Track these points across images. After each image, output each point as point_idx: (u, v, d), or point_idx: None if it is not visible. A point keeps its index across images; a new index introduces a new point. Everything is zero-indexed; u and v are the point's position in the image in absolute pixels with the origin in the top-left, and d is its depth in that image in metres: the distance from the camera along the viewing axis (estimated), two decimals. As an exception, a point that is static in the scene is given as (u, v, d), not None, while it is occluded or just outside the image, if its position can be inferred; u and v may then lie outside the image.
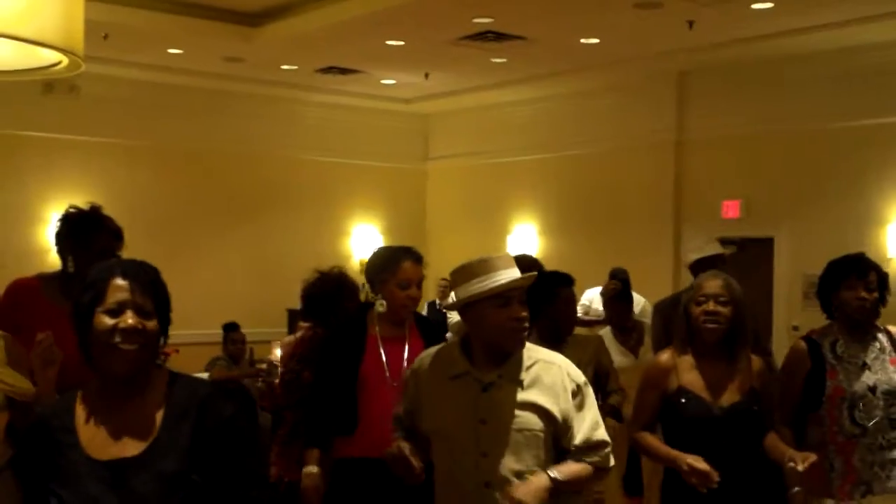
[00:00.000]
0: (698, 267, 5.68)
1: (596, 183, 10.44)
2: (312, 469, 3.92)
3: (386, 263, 3.93)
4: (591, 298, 8.52)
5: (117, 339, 2.10)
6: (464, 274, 2.91)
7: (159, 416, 2.16)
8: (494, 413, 2.86)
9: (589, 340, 5.06)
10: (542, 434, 2.86)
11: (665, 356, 3.64)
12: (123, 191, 9.93)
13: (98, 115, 9.88)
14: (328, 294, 4.84)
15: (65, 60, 3.99)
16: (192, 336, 8.77)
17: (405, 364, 3.59)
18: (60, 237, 3.81)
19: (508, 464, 2.84)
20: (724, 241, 6.23)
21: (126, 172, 10.10)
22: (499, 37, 8.56)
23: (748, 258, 8.54)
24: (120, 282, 2.15)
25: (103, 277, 2.16)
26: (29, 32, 3.58)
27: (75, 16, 3.65)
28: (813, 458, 3.34)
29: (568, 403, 2.88)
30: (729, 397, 3.51)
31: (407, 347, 3.83)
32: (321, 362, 4.05)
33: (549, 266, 5.10)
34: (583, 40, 8.65)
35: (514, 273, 2.90)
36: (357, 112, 11.63)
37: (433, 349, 3.10)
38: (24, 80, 7.22)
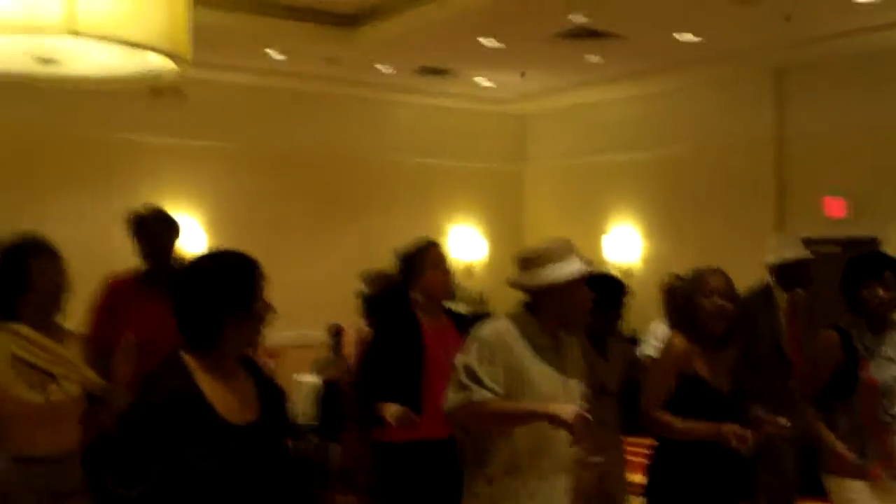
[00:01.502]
0: (783, 271, 5.57)
1: (694, 182, 10.32)
2: (395, 408, 4.17)
3: (413, 254, 4.37)
4: None
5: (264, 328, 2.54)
6: (549, 256, 3.28)
7: (253, 386, 2.55)
8: (572, 382, 3.33)
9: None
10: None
11: (681, 341, 3.86)
12: (228, 193, 10.20)
13: (204, 120, 10.14)
14: (383, 295, 5.05)
15: (171, 65, 4.15)
16: (296, 338, 8.96)
17: (452, 351, 3.76)
18: (134, 237, 4.32)
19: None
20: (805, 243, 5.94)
21: (230, 175, 10.34)
22: (594, 35, 8.55)
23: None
24: (262, 271, 2.56)
25: (256, 264, 2.56)
26: (137, 37, 3.73)
27: (181, 21, 3.80)
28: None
29: None
30: (726, 384, 3.83)
31: (450, 335, 4.07)
32: (381, 354, 4.37)
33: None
34: (678, 37, 8.59)
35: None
36: (453, 113, 11.72)
37: (496, 327, 3.34)
38: (132, 86, 7.47)
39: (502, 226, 11.88)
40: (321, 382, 7.94)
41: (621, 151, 11.03)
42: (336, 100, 10.91)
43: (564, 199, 11.84)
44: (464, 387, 3.22)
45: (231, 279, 2.48)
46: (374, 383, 4.32)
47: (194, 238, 9.77)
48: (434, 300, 4.37)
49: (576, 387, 3.35)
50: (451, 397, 3.27)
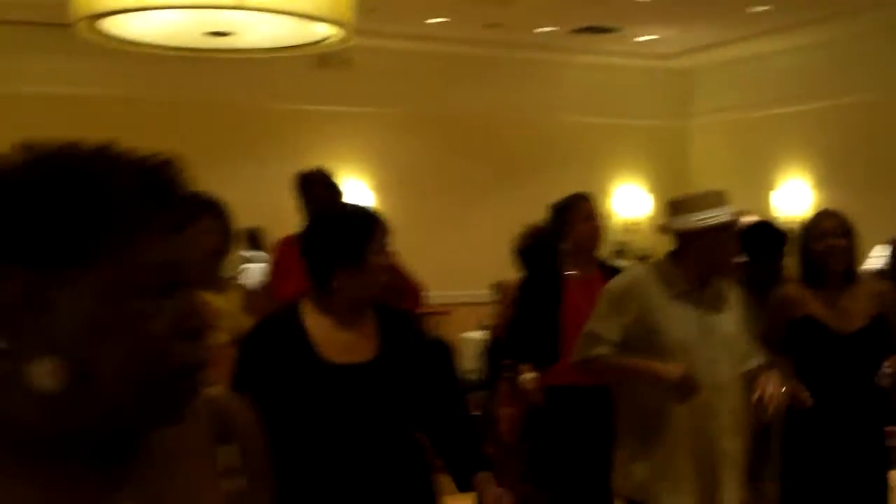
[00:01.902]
0: None
1: (870, 132, 9.93)
2: (530, 375, 4.55)
3: (565, 206, 4.56)
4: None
5: (385, 277, 2.69)
6: (698, 203, 3.36)
7: (377, 335, 2.69)
8: (717, 325, 3.38)
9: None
10: (744, 342, 3.45)
11: (792, 287, 3.94)
12: (393, 158, 10.43)
13: (369, 86, 10.37)
14: (531, 247, 5.20)
15: (337, 34, 4.30)
16: (461, 297, 9.14)
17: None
18: (298, 198, 4.66)
19: (731, 368, 3.37)
20: None
21: (395, 140, 10.55)
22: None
23: None
24: (383, 227, 2.71)
25: (375, 220, 2.71)
26: (303, 8, 3.88)
27: (344, -10, 3.92)
28: None
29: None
30: (854, 323, 3.83)
31: (597, 287, 4.17)
32: (524, 305, 4.68)
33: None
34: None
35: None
36: (615, 71, 11.61)
37: (632, 275, 3.56)
38: (299, 56, 7.71)
39: (667, 182, 11.72)
40: (486, 337, 8.07)
41: (790, 104, 10.70)
42: (497, 63, 10.97)
43: (731, 153, 11.59)
44: (584, 342, 3.42)
45: (342, 232, 2.66)
46: (518, 334, 4.64)
47: (363, 201, 10.04)
48: (583, 252, 4.55)
49: (721, 332, 3.37)
50: (574, 352, 3.49)
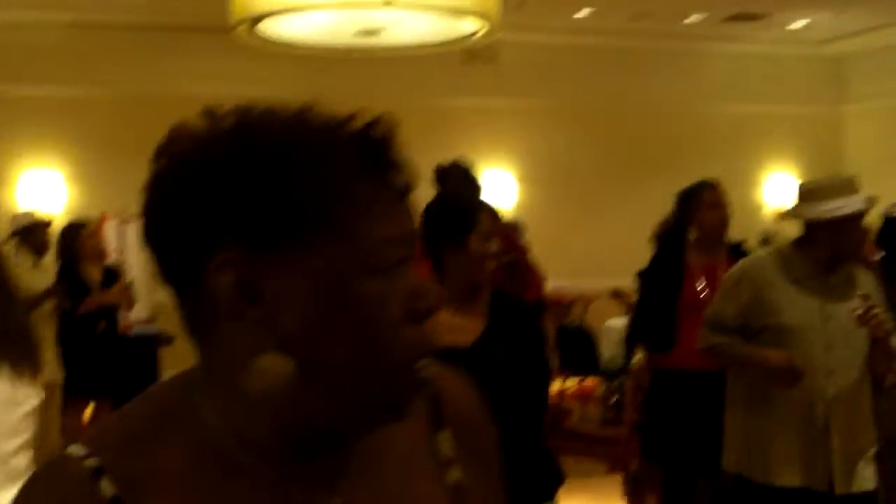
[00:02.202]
0: None
1: None
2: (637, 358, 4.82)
3: (690, 194, 4.63)
4: None
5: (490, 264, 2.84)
6: (830, 191, 3.32)
7: (485, 321, 2.84)
8: (838, 313, 3.31)
9: None
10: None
11: None
12: (539, 150, 10.51)
13: (514, 80, 10.46)
14: (661, 235, 5.30)
15: (483, 28, 4.42)
16: (605, 285, 9.16)
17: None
18: (436, 188, 4.87)
19: (848, 355, 3.33)
20: None
21: (541, 133, 10.62)
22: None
23: None
24: (490, 217, 2.87)
25: (481, 209, 2.89)
26: (450, 3, 4.01)
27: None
28: None
29: None
30: None
31: (719, 274, 4.21)
32: (645, 287, 4.89)
33: None
34: None
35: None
36: (765, 59, 11.39)
37: (751, 260, 3.60)
38: (446, 51, 7.86)
39: (819, 170, 11.37)
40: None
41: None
42: (644, 53, 10.90)
43: (885, 141, 11.22)
44: (706, 329, 3.49)
45: (448, 217, 2.83)
46: (638, 320, 4.86)
47: (508, 191, 10.21)
48: (709, 239, 4.59)
49: (841, 320, 3.32)
50: (699, 339, 3.55)
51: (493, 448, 1.12)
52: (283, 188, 0.87)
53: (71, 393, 6.27)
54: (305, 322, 0.89)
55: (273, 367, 0.88)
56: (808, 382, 3.27)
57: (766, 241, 9.49)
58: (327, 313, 0.89)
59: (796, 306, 3.33)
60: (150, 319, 8.09)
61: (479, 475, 1.07)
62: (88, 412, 6.40)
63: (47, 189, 9.32)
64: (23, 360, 2.16)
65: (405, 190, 0.94)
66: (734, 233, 4.90)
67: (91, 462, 0.90)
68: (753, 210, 10.90)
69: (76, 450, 0.92)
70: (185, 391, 0.96)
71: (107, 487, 0.89)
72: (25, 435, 2.14)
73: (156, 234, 0.92)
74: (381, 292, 0.89)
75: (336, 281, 0.88)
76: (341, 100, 1.07)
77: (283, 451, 0.94)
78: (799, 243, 3.42)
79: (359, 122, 0.93)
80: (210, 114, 0.92)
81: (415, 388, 0.94)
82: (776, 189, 11.48)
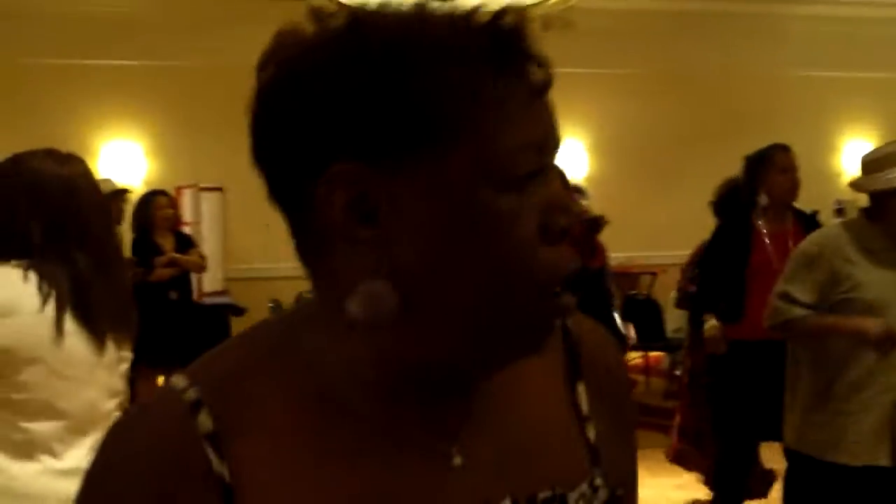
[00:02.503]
0: None
1: None
2: (713, 323, 4.60)
3: (761, 157, 4.53)
4: None
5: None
6: (892, 159, 3.22)
7: None
8: None
9: None
10: None
11: None
12: (612, 119, 10.42)
13: (589, 48, 10.36)
14: (724, 199, 5.23)
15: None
16: (673, 257, 9.10)
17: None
18: None
19: None
20: None
21: (614, 101, 10.52)
22: None
23: None
24: (559, 176, 2.87)
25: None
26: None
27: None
28: None
29: None
30: None
31: (791, 241, 4.08)
32: (711, 255, 4.77)
33: None
34: None
35: None
36: (845, 22, 11.08)
37: (825, 234, 3.48)
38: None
39: (900, 138, 11.17)
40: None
41: None
42: (722, 18, 10.69)
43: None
44: (778, 305, 3.38)
45: None
46: (707, 287, 4.71)
47: (578, 161, 10.16)
48: (779, 205, 4.51)
49: None
50: (768, 316, 3.45)
51: (630, 409, 1.02)
52: (400, 90, 0.77)
53: (142, 362, 6.42)
54: (426, 242, 0.78)
55: (378, 293, 0.78)
56: (888, 360, 3.24)
57: (840, 210, 9.32)
58: (451, 232, 0.78)
59: (873, 280, 3.28)
60: (223, 291, 8.25)
61: (614, 437, 0.95)
62: (160, 381, 6.56)
63: (127, 161, 9.50)
64: (122, 324, 2.28)
65: (542, 87, 0.82)
66: (811, 201, 4.82)
67: (191, 394, 0.84)
68: (831, 178, 10.70)
69: (178, 381, 0.86)
70: (294, 326, 0.88)
71: (205, 421, 0.82)
72: (122, 395, 2.29)
73: (263, 151, 0.83)
74: (513, 208, 0.78)
75: (461, 195, 0.78)
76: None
77: (397, 392, 0.84)
78: (869, 215, 3.36)
79: (485, 14, 0.80)
80: (317, 15, 0.82)
81: (553, 316, 0.83)
82: (855, 156, 11.22)
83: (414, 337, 0.81)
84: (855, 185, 3.44)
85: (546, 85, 0.82)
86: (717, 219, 5.32)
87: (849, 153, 11.27)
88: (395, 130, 0.77)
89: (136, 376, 6.38)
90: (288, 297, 8.97)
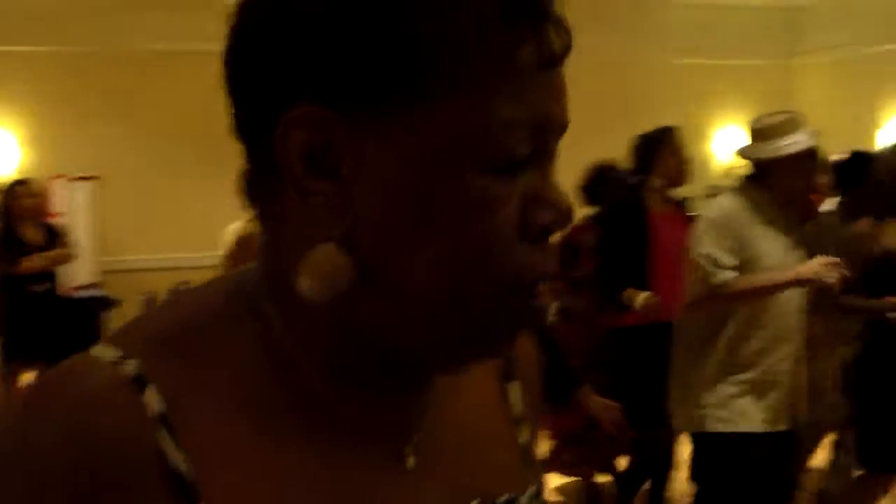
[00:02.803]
0: None
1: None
2: (645, 294, 4.41)
3: (653, 139, 4.52)
4: None
5: None
6: (780, 128, 3.35)
7: None
8: (800, 254, 3.43)
9: None
10: None
11: (863, 224, 3.91)
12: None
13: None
14: (591, 183, 5.18)
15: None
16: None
17: (679, 236, 3.88)
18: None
19: (803, 296, 3.45)
20: None
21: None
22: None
23: None
24: None
25: None
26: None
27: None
28: None
29: None
30: None
31: (679, 220, 4.14)
32: (609, 240, 4.61)
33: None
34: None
35: None
36: (714, 9, 11.36)
37: (727, 204, 3.50)
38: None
39: (769, 125, 11.49)
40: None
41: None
42: (588, 3, 10.78)
43: (837, 91, 11.30)
44: (703, 272, 3.38)
45: None
46: (611, 269, 4.55)
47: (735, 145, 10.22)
48: (673, 185, 4.56)
49: (802, 261, 3.43)
50: (693, 290, 3.45)
51: (540, 407, 0.94)
52: (389, 24, 0.66)
53: (10, 356, 6.20)
54: (388, 213, 0.68)
55: (328, 261, 0.68)
56: (784, 322, 3.39)
57: (713, 195, 9.53)
58: (418, 207, 0.68)
59: (773, 247, 3.39)
60: (94, 284, 8.00)
61: (534, 436, 0.90)
62: (28, 377, 6.34)
63: (1, 150, 9.12)
64: None
65: (558, 56, 0.71)
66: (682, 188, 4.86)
67: (129, 368, 0.69)
68: (702, 164, 10.93)
69: (105, 352, 0.71)
70: (242, 287, 0.76)
71: (152, 401, 0.68)
72: None
73: (233, 76, 0.73)
74: (496, 195, 0.68)
75: (438, 168, 0.67)
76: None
77: (352, 370, 0.74)
78: (754, 184, 3.43)
79: None
80: None
81: (519, 320, 0.73)
82: (726, 142, 11.52)
83: (369, 312, 0.71)
84: (743, 152, 3.50)
85: (563, 54, 0.71)
86: (588, 204, 5.27)
87: (718, 140, 11.55)
88: (376, 74, 0.66)
89: (10, 372, 6.20)
90: (164, 289, 8.77)
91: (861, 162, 4.63)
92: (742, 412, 3.38)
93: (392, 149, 0.67)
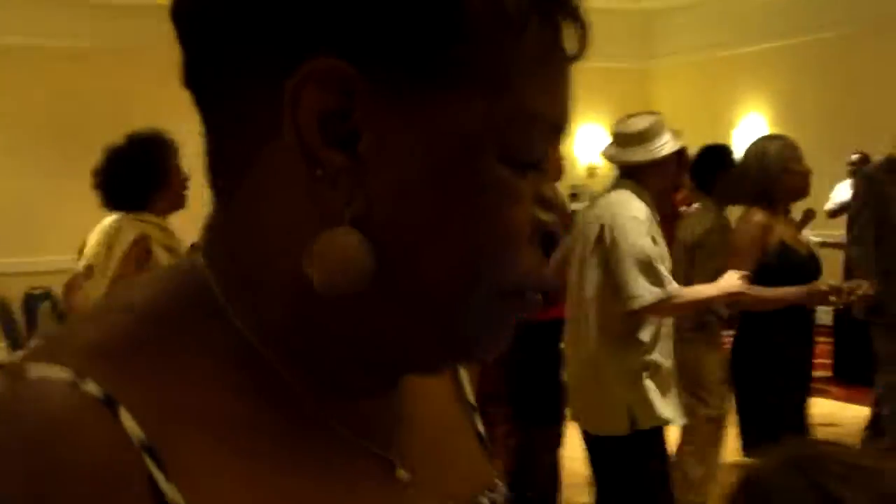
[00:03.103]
0: None
1: (838, 69, 9.95)
2: None
3: None
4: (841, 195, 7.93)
5: None
6: (653, 131, 3.43)
7: None
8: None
9: None
10: None
11: (761, 214, 3.85)
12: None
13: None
14: None
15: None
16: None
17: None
18: None
19: None
20: None
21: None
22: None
23: None
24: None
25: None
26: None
27: None
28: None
29: None
30: (804, 247, 3.98)
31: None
32: None
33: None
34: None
35: None
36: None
37: (640, 207, 3.44)
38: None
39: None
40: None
41: (752, 43, 10.73)
42: None
43: (692, 93, 11.63)
44: (654, 282, 3.31)
45: None
46: None
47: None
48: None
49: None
50: (645, 294, 3.31)
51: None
52: None
53: None
54: (402, 198, 0.61)
55: (350, 247, 0.59)
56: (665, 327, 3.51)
57: (574, 195, 9.66)
58: (435, 193, 0.61)
59: (666, 248, 3.51)
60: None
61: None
62: None
63: None
64: None
65: (576, 54, 0.67)
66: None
67: (91, 388, 0.56)
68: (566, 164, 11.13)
69: (49, 371, 0.57)
70: (189, 286, 0.65)
71: (130, 426, 0.57)
72: None
73: (205, 18, 0.62)
74: (517, 189, 0.63)
75: (463, 152, 0.60)
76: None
77: (335, 371, 0.66)
78: (629, 187, 3.46)
79: None
80: None
81: (511, 324, 0.67)
82: (585, 143, 11.71)
83: (369, 309, 0.63)
84: (615, 157, 3.51)
85: (581, 52, 0.67)
86: None
87: (580, 139, 11.73)
88: (419, 35, 0.58)
89: None
90: (15, 294, 8.41)
91: (713, 155, 4.80)
92: (644, 410, 3.43)
93: (418, 127, 0.60)
